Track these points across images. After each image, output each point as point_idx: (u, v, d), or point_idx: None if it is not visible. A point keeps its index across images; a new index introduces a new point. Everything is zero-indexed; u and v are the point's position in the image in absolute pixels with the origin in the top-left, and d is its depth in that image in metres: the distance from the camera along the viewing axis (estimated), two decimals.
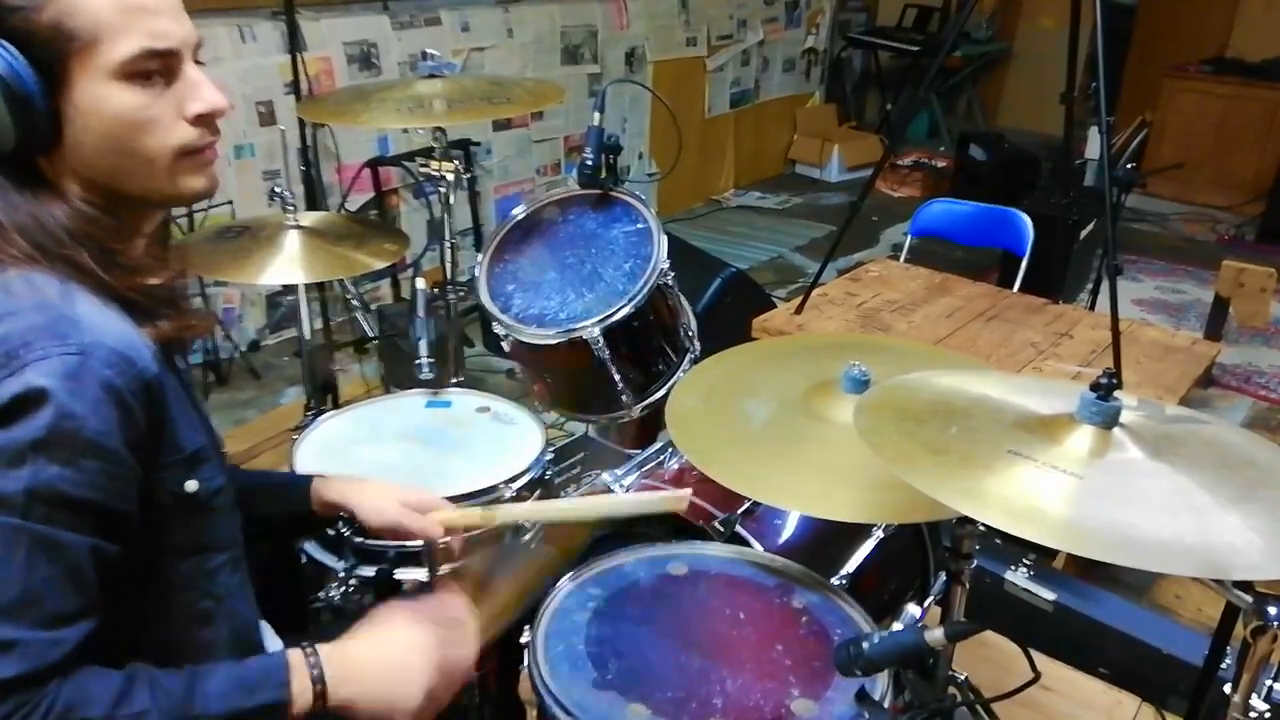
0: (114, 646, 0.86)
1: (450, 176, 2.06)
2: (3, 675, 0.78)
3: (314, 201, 3.09)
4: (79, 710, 0.81)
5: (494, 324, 1.83)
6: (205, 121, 0.95)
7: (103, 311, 0.88)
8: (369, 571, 1.51)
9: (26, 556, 0.80)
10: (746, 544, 1.45)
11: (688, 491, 1.34)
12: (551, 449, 1.72)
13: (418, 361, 1.80)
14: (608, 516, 1.45)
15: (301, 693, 0.92)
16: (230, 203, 3.40)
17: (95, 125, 0.89)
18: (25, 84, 0.85)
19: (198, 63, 0.96)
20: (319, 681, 0.93)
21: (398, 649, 1.02)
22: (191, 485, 0.95)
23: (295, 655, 0.94)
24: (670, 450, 1.74)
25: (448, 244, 2.15)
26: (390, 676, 1.00)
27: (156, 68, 0.90)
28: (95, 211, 0.92)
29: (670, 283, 1.85)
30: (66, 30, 0.85)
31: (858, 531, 1.60)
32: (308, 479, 1.32)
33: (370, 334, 3.36)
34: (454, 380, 2.15)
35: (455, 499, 1.54)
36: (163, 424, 0.91)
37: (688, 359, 1.95)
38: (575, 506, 1.49)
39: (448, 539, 1.34)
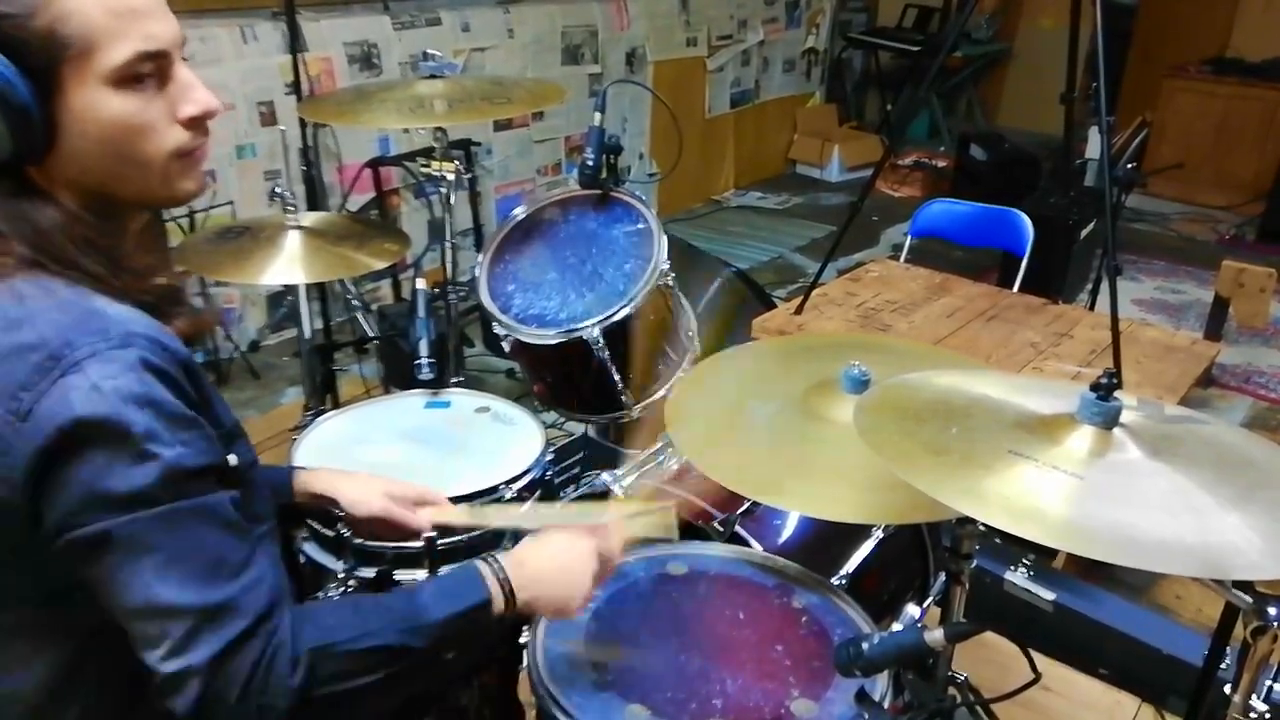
0: None
1: (451, 176, 2.06)
2: (239, 629, 0.85)
3: (315, 202, 3.09)
4: (327, 637, 0.91)
5: (494, 324, 1.83)
6: (197, 123, 0.94)
7: (119, 305, 0.89)
8: (368, 573, 1.51)
9: (193, 530, 0.85)
10: (746, 544, 1.45)
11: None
12: (551, 449, 1.72)
13: (418, 361, 1.80)
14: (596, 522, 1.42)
15: (496, 595, 1.02)
16: (231, 203, 3.40)
17: (91, 132, 0.88)
18: (19, 93, 0.84)
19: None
20: (506, 584, 1.03)
21: (565, 553, 1.11)
22: (233, 459, 0.97)
23: (482, 565, 1.05)
24: (670, 450, 1.74)
25: (448, 244, 2.16)
26: (562, 577, 1.09)
27: (149, 71, 0.89)
28: (90, 217, 0.91)
29: (670, 283, 1.86)
30: (60, 37, 0.84)
31: (857, 532, 1.60)
32: (290, 470, 1.34)
33: (370, 334, 3.36)
34: (454, 380, 2.15)
35: (455, 500, 1.54)
36: (204, 400, 0.94)
37: (688, 359, 1.95)
38: (564, 513, 1.49)
39: (434, 534, 1.37)
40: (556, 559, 1.10)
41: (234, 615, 0.85)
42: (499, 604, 1.03)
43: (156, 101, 0.91)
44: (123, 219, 0.97)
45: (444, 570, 1.13)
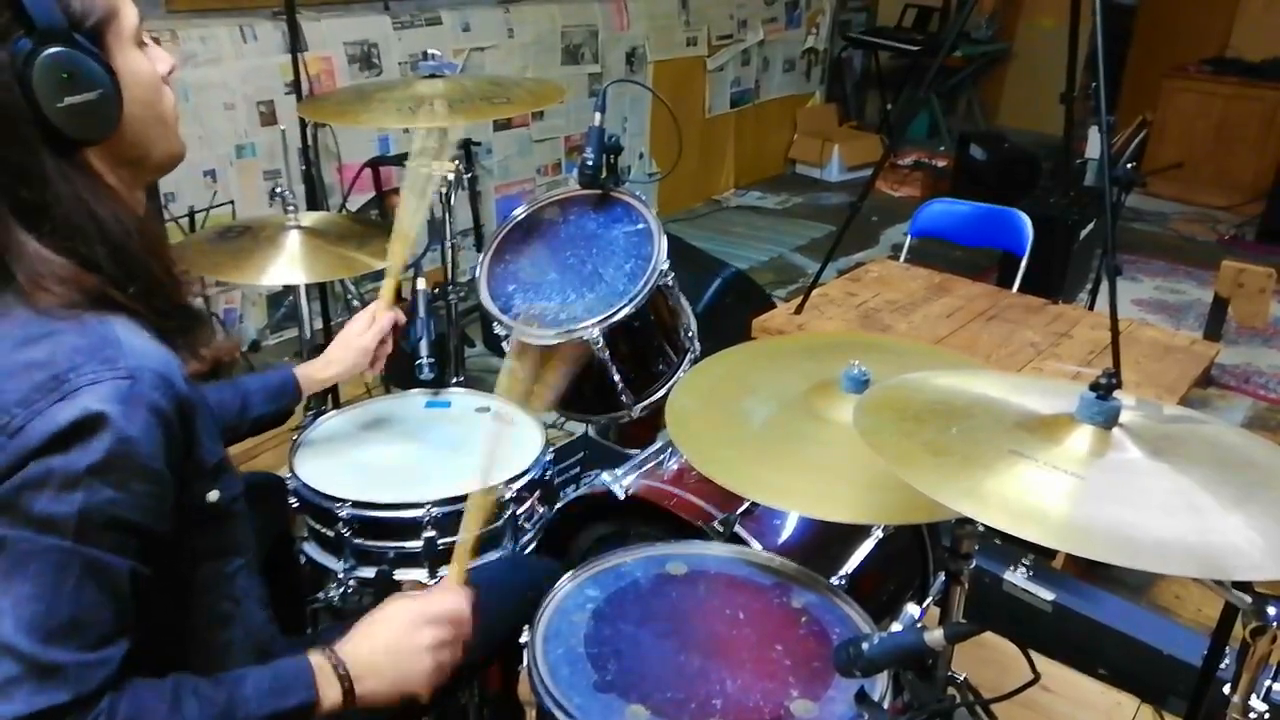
0: (140, 651, 0.87)
1: (451, 176, 2.06)
2: (57, 701, 0.78)
3: (315, 201, 3.09)
4: None
5: (494, 324, 1.83)
6: (168, 80, 0.99)
7: (138, 332, 0.89)
8: (368, 573, 1.52)
9: (77, 581, 0.81)
10: (746, 544, 1.45)
11: None
12: (551, 449, 1.72)
13: (418, 361, 1.80)
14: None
15: (328, 691, 0.97)
16: (231, 203, 3.40)
17: (136, 95, 0.91)
18: (97, 65, 0.87)
19: None
20: (345, 679, 0.98)
21: (392, 635, 1.05)
22: (213, 495, 0.97)
23: (318, 657, 0.98)
24: (670, 450, 1.74)
25: (448, 244, 2.16)
26: (402, 660, 1.04)
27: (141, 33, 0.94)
28: (129, 214, 0.93)
29: (670, 283, 1.85)
30: (99, 6, 0.88)
31: (857, 531, 1.60)
32: (289, 371, 1.53)
33: None
34: (454, 380, 2.15)
35: (455, 499, 1.54)
36: (194, 441, 0.92)
37: (688, 359, 1.95)
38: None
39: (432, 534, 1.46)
40: (386, 642, 1.04)
41: (59, 684, 0.79)
42: (329, 701, 0.96)
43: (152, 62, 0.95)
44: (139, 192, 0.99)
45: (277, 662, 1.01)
